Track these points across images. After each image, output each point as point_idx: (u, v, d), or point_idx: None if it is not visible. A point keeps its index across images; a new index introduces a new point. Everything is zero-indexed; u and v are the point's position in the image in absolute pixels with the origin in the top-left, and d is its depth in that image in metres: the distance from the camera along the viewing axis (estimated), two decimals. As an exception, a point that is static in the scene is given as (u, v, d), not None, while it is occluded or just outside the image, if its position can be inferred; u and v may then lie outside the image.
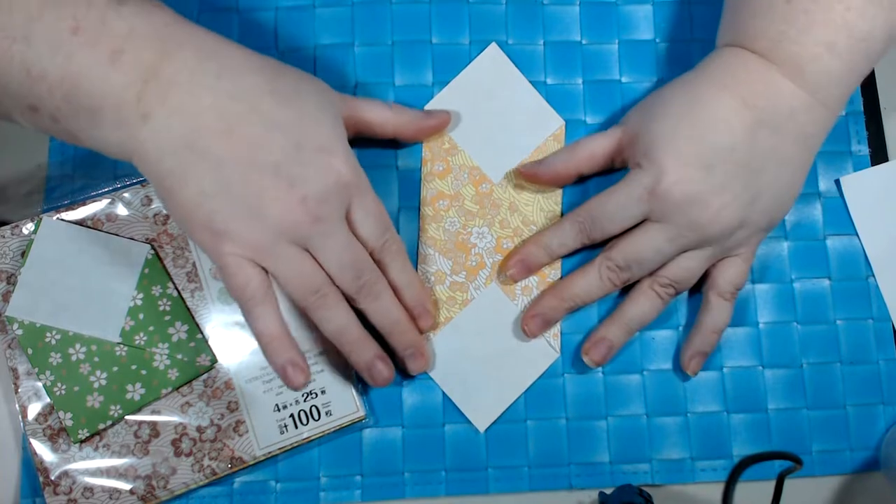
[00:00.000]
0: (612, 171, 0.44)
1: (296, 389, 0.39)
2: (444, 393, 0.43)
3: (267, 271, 0.37)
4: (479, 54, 0.46)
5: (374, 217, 0.38)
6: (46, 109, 0.34)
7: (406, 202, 0.44)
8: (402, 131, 0.43)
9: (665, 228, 0.39)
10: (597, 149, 0.42)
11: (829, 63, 0.38)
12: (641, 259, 0.40)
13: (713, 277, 0.42)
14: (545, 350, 0.43)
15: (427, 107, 0.45)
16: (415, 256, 0.44)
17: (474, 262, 0.44)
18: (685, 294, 0.44)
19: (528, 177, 0.44)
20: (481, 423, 0.42)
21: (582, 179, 0.45)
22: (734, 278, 0.42)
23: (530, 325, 0.42)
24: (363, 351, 0.39)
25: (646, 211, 0.39)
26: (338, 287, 0.38)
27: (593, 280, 0.41)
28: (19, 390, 0.41)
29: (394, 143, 0.45)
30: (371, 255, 0.39)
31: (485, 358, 0.43)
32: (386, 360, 0.40)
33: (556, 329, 0.43)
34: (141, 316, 0.41)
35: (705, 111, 0.39)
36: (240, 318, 0.42)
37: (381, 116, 0.42)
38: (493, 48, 0.46)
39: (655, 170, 0.38)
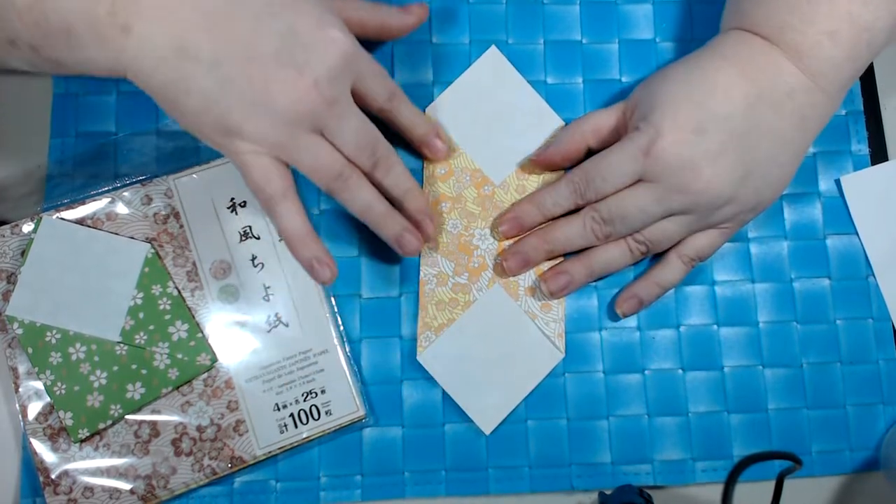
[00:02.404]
0: None
1: (323, 284, 0.39)
2: (444, 392, 0.43)
3: (286, 164, 0.36)
4: (479, 54, 0.46)
5: (381, 81, 0.39)
6: (23, 40, 0.32)
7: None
8: (383, 28, 0.42)
9: (654, 188, 0.39)
10: (601, 122, 0.43)
11: (830, 51, 0.38)
12: (626, 215, 0.40)
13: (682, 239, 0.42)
14: (550, 350, 0.43)
15: (427, 110, 0.45)
16: (416, 258, 0.44)
17: (476, 263, 0.44)
18: (685, 293, 0.44)
19: (542, 163, 0.44)
20: (487, 426, 0.42)
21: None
22: (701, 247, 0.42)
23: (510, 261, 0.42)
24: (392, 224, 0.39)
25: (639, 171, 0.39)
26: (356, 165, 0.38)
27: (577, 228, 0.41)
28: (19, 390, 0.41)
29: (394, 144, 0.45)
30: (380, 111, 0.40)
31: (489, 360, 0.43)
32: (413, 230, 0.39)
33: (561, 329, 0.43)
34: (141, 315, 0.41)
35: (705, 79, 0.39)
36: (240, 317, 0.42)
37: (364, 13, 0.41)
38: (492, 51, 0.46)
39: (652, 131, 0.39)
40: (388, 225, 0.39)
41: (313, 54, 0.34)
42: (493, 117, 0.45)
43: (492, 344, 0.43)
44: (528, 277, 0.44)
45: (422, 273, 0.43)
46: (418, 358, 0.43)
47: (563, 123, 0.45)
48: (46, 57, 0.33)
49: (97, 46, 0.32)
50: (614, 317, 0.44)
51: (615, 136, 0.43)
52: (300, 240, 0.37)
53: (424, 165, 0.45)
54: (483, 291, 0.44)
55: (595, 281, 0.44)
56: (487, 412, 0.42)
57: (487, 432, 0.42)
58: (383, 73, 0.39)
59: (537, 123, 0.45)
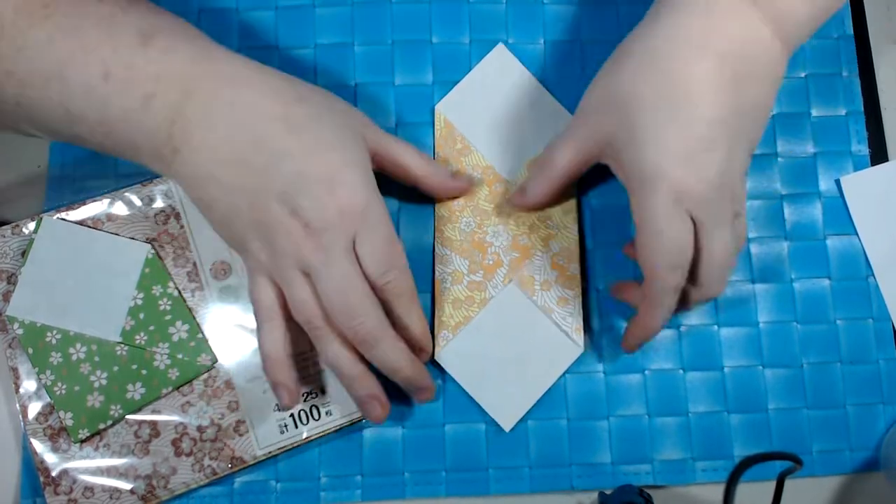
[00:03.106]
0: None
1: (283, 409, 0.41)
2: (444, 392, 0.43)
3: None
4: (479, 54, 0.46)
5: (377, 254, 0.37)
6: (89, 143, 0.37)
7: (420, 199, 0.44)
8: (426, 181, 0.42)
9: (708, 225, 0.36)
10: (569, 167, 0.40)
11: (800, 8, 0.37)
12: (714, 280, 0.38)
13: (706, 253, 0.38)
14: (568, 345, 0.43)
15: (437, 107, 0.45)
16: (431, 257, 0.44)
17: (491, 260, 0.44)
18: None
19: (520, 208, 0.44)
20: (507, 423, 0.42)
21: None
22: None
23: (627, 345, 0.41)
24: (357, 388, 0.39)
25: (689, 226, 0.36)
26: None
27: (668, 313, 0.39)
28: (20, 390, 0.41)
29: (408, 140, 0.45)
30: (372, 286, 0.37)
31: (507, 356, 0.43)
32: (379, 399, 0.39)
33: (579, 323, 0.43)
34: (141, 315, 0.41)
35: (684, 89, 0.36)
36: (240, 318, 0.42)
37: (410, 160, 0.41)
38: (500, 48, 0.46)
39: (662, 184, 0.35)
40: (354, 387, 0.39)
41: (310, 202, 0.35)
42: (503, 114, 0.45)
43: (509, 341, 0.43)
44: (543, 272, 0.44)
45: (437, 272, 0.43)
46: (436, 357, 0.43)
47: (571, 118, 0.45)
48: (108, 152, 0.38)
49: (151, 160, 0.37)
50: (615, 306, 0.44)
51: (588, 167, 0.41)
52: (272, 363, 0.38)
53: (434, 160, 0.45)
54: (499, 289, 0.43)
55: None
56: (507, 409, 0.42)
57: (508, 429, 0.42)
58: (387, 252, 0.37)
59: (547, 119, 0.45)
